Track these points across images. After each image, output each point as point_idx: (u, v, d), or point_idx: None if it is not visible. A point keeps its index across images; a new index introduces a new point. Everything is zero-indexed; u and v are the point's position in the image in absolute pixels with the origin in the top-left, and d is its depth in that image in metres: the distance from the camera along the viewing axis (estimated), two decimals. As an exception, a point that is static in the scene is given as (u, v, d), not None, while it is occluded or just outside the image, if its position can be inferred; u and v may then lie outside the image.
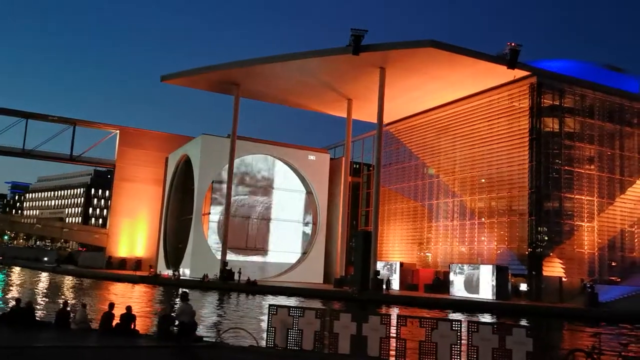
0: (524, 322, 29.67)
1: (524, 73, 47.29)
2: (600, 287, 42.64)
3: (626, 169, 50.78)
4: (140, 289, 44.75)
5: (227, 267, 52.01)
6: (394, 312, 33.31)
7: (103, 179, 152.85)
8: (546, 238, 46.47)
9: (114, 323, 16.11)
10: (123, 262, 67.52)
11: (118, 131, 72.20)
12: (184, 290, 22.19)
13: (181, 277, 53.85)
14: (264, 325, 14.54)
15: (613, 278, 46.66)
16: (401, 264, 54.28)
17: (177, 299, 15.90)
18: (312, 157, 64.55)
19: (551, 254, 45.99)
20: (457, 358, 12.30)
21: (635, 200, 50.41)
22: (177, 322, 14.95)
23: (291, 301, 37.65)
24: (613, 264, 48.41)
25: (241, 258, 59.96)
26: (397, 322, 13.19)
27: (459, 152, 54.34)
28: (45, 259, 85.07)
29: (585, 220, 47.44)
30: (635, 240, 50.20)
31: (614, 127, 50.83)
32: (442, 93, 52.99)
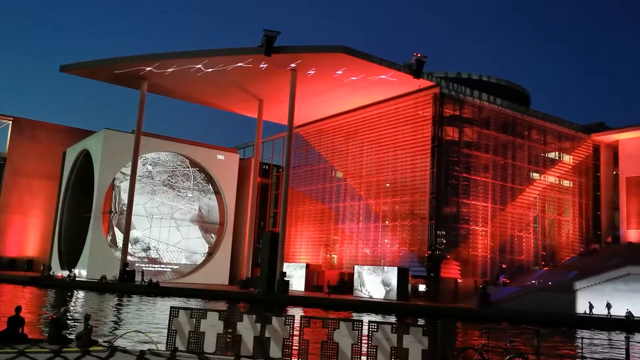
0: (421, 322, 30.99)
1: (428, 83, 49.52)
2: (492, 288, 45.66)
3: (517, 177, 54.67)
4: (30, 292, 41.83)
5: (128, 268, 49.96)
6: (298, 313, 33.56)
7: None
8: (444, 241, 48.91)
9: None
10: (12, 262, 62.87)
11: (11, 121, 67.15)
12: None
13: (77, 279, 50.99)
14: (165, 328, 14.10)
15: (503, 279, 49.97)
16: (307, 266, 54.85)
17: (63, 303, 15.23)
18: (221, 157, 63.56)
19: (448, 256, 48.48)
20: (357, 357, 12.60)
21: (524, 207, 54.39)
22: None
23: (194, 303, 36.85)
24: (503, 266, 51.88)
25: (143, 258, 57.89)
26: (301, 323, 13.30)
27: (366, 157, 55.87)
28: None
29: (480, 225, 50.46)
30: (523, 244, 54.11)
31: (507, 138, 54.57)
32: (352, 98, 54.22)
